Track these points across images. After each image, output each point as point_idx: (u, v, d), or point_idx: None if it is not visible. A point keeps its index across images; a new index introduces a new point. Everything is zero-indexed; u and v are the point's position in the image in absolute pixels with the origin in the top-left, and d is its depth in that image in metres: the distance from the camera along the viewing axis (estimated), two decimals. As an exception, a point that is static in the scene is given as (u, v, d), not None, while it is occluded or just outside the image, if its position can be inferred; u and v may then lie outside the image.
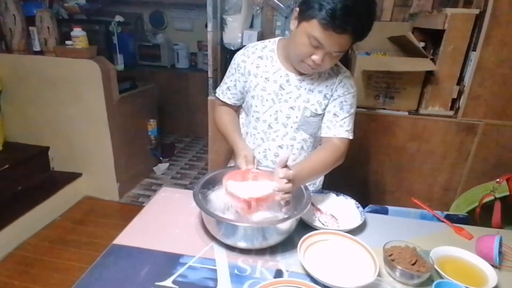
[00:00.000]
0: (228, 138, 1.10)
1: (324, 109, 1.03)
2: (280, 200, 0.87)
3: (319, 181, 1.19)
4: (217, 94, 1.16)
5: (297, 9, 0.89)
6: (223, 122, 1.13)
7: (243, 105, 1.15)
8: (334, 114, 1.03)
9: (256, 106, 1.06)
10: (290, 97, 1.02)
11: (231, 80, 1.11)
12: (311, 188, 1.14)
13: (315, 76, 1.01)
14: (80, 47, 2.15)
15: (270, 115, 1.05)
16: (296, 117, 1.03)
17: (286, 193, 0.86)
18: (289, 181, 0.85)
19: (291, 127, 1.05)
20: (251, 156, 0.97)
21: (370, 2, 0.84)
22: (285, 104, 1.03)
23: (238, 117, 1.20)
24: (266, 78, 1.03)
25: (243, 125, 1.17)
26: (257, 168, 0.97)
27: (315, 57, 0.88)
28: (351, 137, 1.05)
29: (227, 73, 1.12)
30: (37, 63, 2.24)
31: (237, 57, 1.08)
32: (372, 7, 0.84)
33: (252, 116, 1.09)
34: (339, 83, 1.02)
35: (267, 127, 1.07)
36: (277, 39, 1.06)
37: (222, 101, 1.15)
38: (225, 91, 1.13)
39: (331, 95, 1.02)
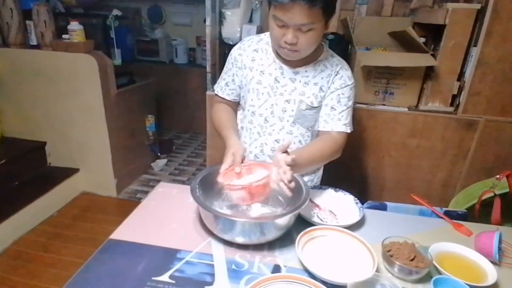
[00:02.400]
0: (221, 134, 1.06)
1: (320, 101, 1.02)
2: (285, 189, 0.83)
3: (318, 177, 1.18)
4: (215, 91, 1.14)
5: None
6: (219, 118, 1.10)
7: (240, 101, 1.14)
8: (332, 108, 1.02)
9: (252, 100, 1.05)
10: (285, 90, 1.01)
11: (229, 76, 1.09)
12: (309, 184, 1.13)
13: (310, 68, 1.00)
14: (77, 41, 2.12)
15: (266, 109, 1.04)
16: (292, 110, 1.02)
17: (290, 181, 0.82)
18: (290, 167, 0.83)
19: (287, 120, 1.04)
20: (240, 156, 0.91)
21: None
22: (281, 97, 1.02)
23: (237, 113, 1.18)
24: (261, 71, 1.02)
25: (240, 120, 1.16)
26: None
27: (286, 38, 0.87)
28: (349, 131, 1.04)
29: (225, 69, 1.11)
30: (34, 57, 2.22)
31: (234, 52, 1.07)
32: None
33: (248, 110, 1.08)
34: (336, 75, 1.01)
35: (263, 121, 1.06)
36: None
37: (221, 97, 1.13)
38: (224, 87, 1.12)
39: (328, 88, 1.01)
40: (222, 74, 1.12)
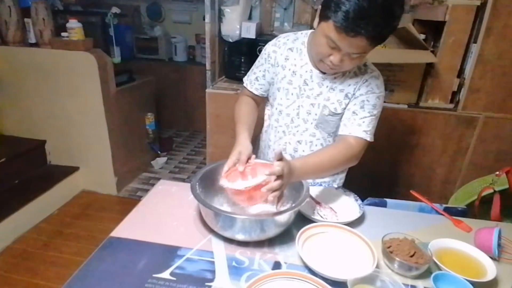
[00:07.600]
0: (235, 126, 1.05)
1: (344, 108, 1.00)
2: (270, 198, 0.80)
3: (340, 178, 1.16)
4: (244, 84, 1.14)
5: (320, 6, 0.85)
6: (238, 110, 1.09)
7: (268, 97, 1.13)
8: (353, 112, 0.98)
9: (281, 98, 1.05)
10: (312, 94, 1.01)
11: (260, 71, 1.09)
12: (332, 185, 1.13)
13: (339, 75, 0.98)
14: (76, 39, 2.12)
15: (293, 109, 1.04)
16: (316, 114, 1.02)
17: (275, 190, 0.79)
18: (278, 177, 0.79)
19: (311, 123, 1.04)
20: (245, 156, 0.90)
21: (390, 3, 0.76)
22: (307, 100, 1.02)
23: (263, 109, 1.18)
24: (293, 72, 1.02)
25: (268, 117, 1.16)
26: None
27: (332, 58, 0.86)
28: (369, 139, 0.97)
29: (256, 63, 1.11)
30: (32, 55, 2.21)
31: (268, 47, 1.06)
32: (391, 9, 0.77)
33: (276, 109, 1.08)
34: (364, 83, 0.97)
35: (289, 121, 1.06)
36: (309, 31, 1.03)
37: (249, 91, 1.12)
38: (254, 81, 1.11)
39: (353, 94, 0.98)
40: (253, 67, 1.12)
